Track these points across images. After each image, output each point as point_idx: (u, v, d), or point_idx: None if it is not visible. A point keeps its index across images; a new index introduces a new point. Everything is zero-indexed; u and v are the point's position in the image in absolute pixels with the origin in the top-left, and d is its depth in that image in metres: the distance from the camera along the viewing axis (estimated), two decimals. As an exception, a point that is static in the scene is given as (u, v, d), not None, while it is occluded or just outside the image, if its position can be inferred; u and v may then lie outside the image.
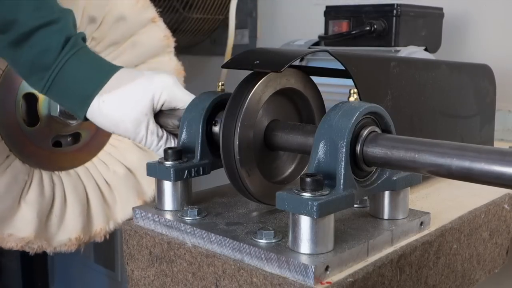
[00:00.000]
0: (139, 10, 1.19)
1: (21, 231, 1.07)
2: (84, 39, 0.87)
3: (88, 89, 0.82)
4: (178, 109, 0.83)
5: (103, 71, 0.83)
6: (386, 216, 0.64)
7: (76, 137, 1.21)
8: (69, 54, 0.82)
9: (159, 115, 0.83)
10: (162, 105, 0.82)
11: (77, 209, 1.16)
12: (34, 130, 1.13)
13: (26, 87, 1.11)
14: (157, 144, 0.82)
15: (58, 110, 1.11)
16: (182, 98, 0.82)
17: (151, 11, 1.21)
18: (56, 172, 1.17)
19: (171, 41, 1.25)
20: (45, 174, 1.14)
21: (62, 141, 1.20)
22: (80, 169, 1.21)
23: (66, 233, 1.14)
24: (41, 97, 1.13)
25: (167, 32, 1.24)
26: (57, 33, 0.82)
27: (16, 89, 1.09)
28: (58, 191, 1.15)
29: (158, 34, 1.23)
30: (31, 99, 1.12)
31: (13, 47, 0.83)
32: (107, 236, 1.22)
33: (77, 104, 0.83)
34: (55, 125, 1.15)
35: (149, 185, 1.24)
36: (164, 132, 0.83)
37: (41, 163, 1.14)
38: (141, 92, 0.81)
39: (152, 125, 0.81)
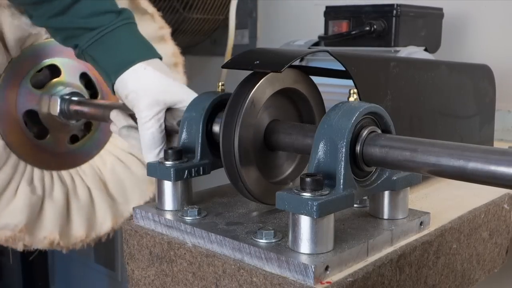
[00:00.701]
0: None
1: (47, 232, 1.11)
2: None
3: (133, 55, 0.85)
4: (177, 108, 0.83)
5: (151, 49, 0.88)
6: (386, 216, 0.64)
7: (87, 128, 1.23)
8: (122, 22, 0.87)
9: None
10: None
11: (84, 206, 1.18)
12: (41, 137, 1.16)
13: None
14: (152, 132, 0.81)
15: (58, 110, 1.11)
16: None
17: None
18: (66, 171, 1.18)
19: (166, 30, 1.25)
20: (55, 174, 1.16)
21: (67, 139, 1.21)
22: (85, 166, 1.22)
23: (80, 230, 1.17)
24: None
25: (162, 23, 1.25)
26: (104, 1, 0.87)
27: (16, 94, 1.11)
28: (67, 190, 1.17)
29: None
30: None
31: (59, 16, 0.87)
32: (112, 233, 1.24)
33: (115, 66, 0.85)
34: (58, 125, 1.16)
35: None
36: (164, 130, 0.83)
37: (50, 164, 1.16)
38: (174, 90, 0.84)
39: (162, 115, 0.83)
